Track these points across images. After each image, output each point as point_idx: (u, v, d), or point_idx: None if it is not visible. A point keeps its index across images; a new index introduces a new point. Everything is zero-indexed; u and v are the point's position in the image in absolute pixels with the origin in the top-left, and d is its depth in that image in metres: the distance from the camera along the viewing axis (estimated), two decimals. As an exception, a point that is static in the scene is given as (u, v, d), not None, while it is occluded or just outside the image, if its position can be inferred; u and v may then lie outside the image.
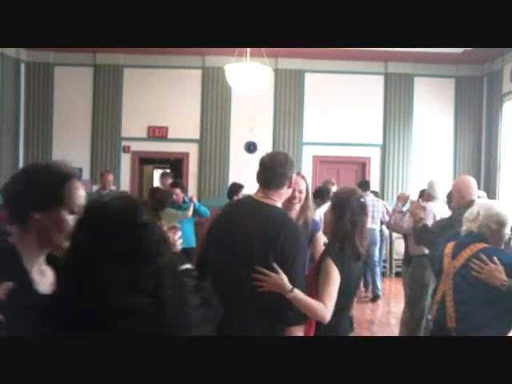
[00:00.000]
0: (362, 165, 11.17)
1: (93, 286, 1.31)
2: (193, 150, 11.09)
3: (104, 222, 1.36)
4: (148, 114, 10.94)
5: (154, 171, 13.10)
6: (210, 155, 11.01)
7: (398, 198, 5.57)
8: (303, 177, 3.36)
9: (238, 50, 8.52)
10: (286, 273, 2.39)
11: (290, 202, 3.10)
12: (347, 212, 2.71)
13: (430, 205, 5.18)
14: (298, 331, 2.45)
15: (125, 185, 10.82)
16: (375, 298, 8.35)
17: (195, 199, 6.91)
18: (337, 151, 11.04)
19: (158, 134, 10.97)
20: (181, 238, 2.09)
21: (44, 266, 1.69)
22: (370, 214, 7.08)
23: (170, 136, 10.99)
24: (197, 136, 11.07)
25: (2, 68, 10.18)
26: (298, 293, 2.42)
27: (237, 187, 7.65)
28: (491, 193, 10.47)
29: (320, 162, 11.13)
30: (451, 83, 11.08)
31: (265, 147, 11.03)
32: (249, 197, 2.68)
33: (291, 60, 10.82)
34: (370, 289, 8.51)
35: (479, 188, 10.83)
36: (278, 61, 10.77)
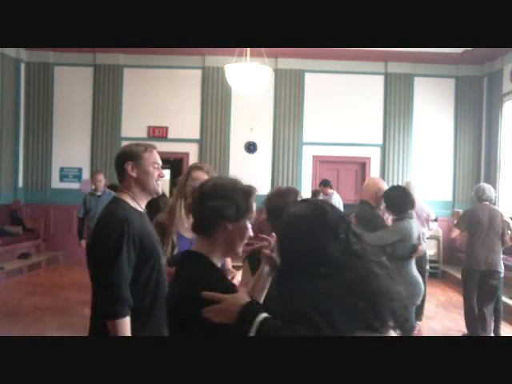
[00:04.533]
0: (362, 165, 11.18)
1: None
2: (193, 150, 11.10)
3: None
4: (148, 114, 10.95)
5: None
6: (210, 155, 11.00)
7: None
8: (202, 169, 3.16)
9: (237, 50, 8.52)
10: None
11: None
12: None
13: None
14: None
15: (125, 185, 10.82)
16: None
17: None
18: (337, 151, 11.05)
19: (158, 134, 10.98)
20: None
21: None
22: None
23: (170, 136, 11.00)
24: (197, 136, 11.07)
25: (2, 68, 10.19)
26: None
27: None
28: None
29: (320, 162, 11.13)
30: (451, 83, 11.08)
31: (265, 147, 11.06)
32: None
33: (291, 60, 10.82)
34: None
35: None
36: (277, 61, 10.78)
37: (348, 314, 1.42)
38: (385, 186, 4.90)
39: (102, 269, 2.31)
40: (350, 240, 1.58)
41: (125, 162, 2.47)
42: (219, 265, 1.84)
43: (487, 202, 5.80)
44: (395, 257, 4.16)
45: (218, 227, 1.77)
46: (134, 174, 2.47)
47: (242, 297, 1.61)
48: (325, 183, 9.46)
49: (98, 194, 7.31)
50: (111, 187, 7.55)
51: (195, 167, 3.19)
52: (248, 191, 1.83)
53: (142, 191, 2.50)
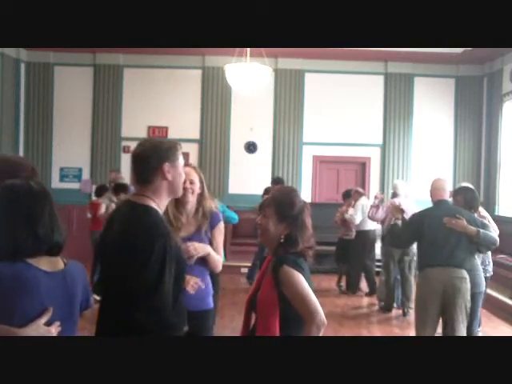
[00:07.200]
0: (362, 165, 11.18)
1: None
2: (193, 150, 11.09)
3: None
4: (148, 114, 10.95)
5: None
6: (210, 155, 11.01)
7: (375, 196, 7.87)
8: (195, 168, 3.15)
9: (238, 50, 8.52)
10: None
11: (182, 194, 2.66)
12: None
13: (395, 200, 7.21)
14: None
15: (125, 185, 10.82)
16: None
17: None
18: (337, 151, 11.05)
19: (158, 133, 10.98)
20: None
21: None
22: None
23: (170, 136, 10.99)
24: (197, 136, 11.08)
25: (2, 68, 10.18)
26: None
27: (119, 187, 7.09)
28: (491, 192, 10.48)
29: (320, 162, 11.14)
30: (451, 83, 11.09)
31: (265, 147, 11.06)
32: (126, 198, 2.35)
33: (291, 60, 10.82)
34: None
35: (479, 188, 10.91)
36: (277, 61, 10.78)
37: None
38: None
39: (146, 291, 2.00)
40: None
41: (162, 163, 2.14)
42: None
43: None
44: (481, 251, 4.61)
45: None
46: (169, 177, 2.17)
47: None
48: (276, 181, 8.69)
49: None
50: (102, 188, 7.74)
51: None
52: None
53: (169, 196, 2.23)
